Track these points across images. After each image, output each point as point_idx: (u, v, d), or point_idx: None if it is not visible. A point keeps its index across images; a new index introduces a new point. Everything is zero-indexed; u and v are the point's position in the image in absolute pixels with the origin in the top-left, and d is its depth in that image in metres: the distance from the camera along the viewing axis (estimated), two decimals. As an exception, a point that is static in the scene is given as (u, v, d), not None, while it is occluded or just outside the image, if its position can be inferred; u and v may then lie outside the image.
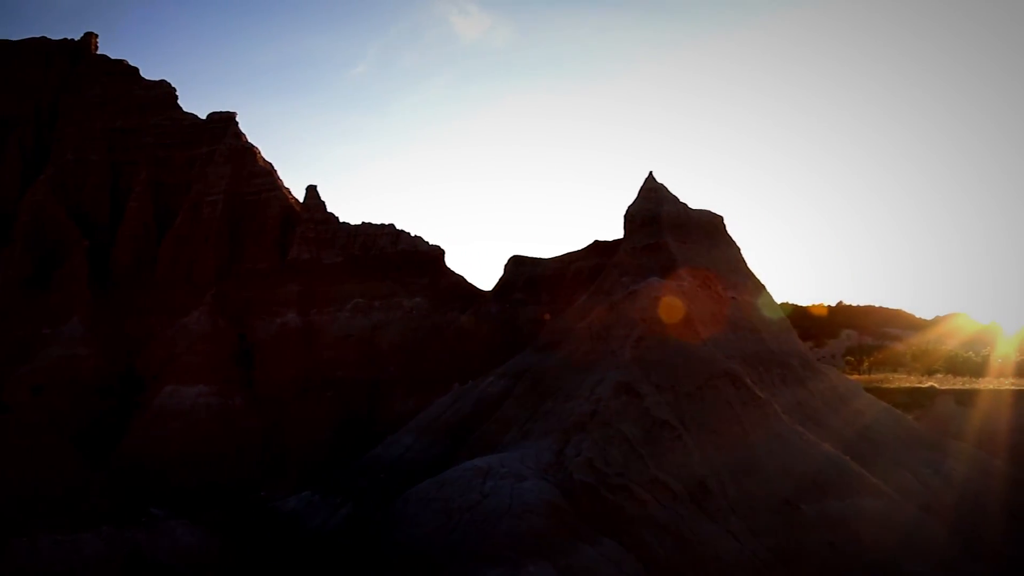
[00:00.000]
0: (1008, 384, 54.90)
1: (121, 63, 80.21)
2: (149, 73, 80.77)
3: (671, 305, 37.86)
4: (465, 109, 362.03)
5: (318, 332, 64.87)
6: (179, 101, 78.44)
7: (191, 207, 71.15)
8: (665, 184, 46.67)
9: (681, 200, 46.47)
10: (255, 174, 73.70)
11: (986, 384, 55.31)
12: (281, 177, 75.80)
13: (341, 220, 71.10)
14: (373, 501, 37.18)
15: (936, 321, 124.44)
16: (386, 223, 70.29)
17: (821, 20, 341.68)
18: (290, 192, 75.39)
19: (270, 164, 76.52)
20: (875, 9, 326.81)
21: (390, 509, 32.74)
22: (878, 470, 34.49)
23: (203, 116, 76.58)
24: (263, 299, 66.52)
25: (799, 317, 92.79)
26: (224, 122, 75.32)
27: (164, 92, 78.30)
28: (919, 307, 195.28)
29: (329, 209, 71.34)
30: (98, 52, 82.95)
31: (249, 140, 75.95)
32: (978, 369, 66.75)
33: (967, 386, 54.59)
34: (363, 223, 70.79)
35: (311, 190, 71.75)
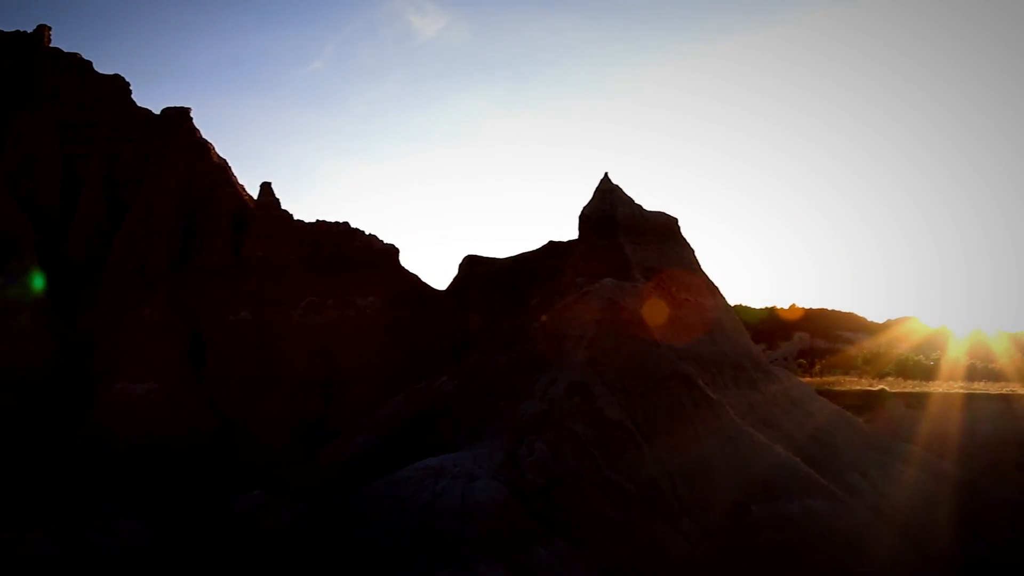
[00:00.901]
0: (958, 388, 55.36)
1: (74, 56, 79.35)
2: (103, 67, 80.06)
3: (625, 306, 37.85)
4: (421, 107, 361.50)
5: (271, 330, 64.56)
6: (133, 96, 77.79)
7: (144, 203, 70.56)
8: (620, 185, 46.67)
9: (636, 202, 46.49)
10: (209, 170, 73.21)
11: (936, 387, 55.76)
12: (235, 174, 75.39)
13: (295, 218, 70.75)
14: (325, 500, 36.95)
15: (888, 325, 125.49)
16: (340, 221, 70.01)
17: (779, 17, 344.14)
18: (244, 189, 74.98)
19: (224, 160, 76.07)
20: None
21: (342, 508, 32.55)
22: (829, 472, 34.64)
23: (157, 111, 75.96)
24: (216, 296, 66.10)
25: (751, 318, 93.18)
26: (178, 117, 74.74)
27: (118, 86, 77.56)
28: (871, 311, 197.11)
29: (283, 206, 70.96)
30: (51, 45, 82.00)
31: (203, 136, 75.46)
32: (929, 373, 67.32)
33: (917, 389, 55.01)
34: (317, 221, 70.49)
35: (265, 187, 71.38)
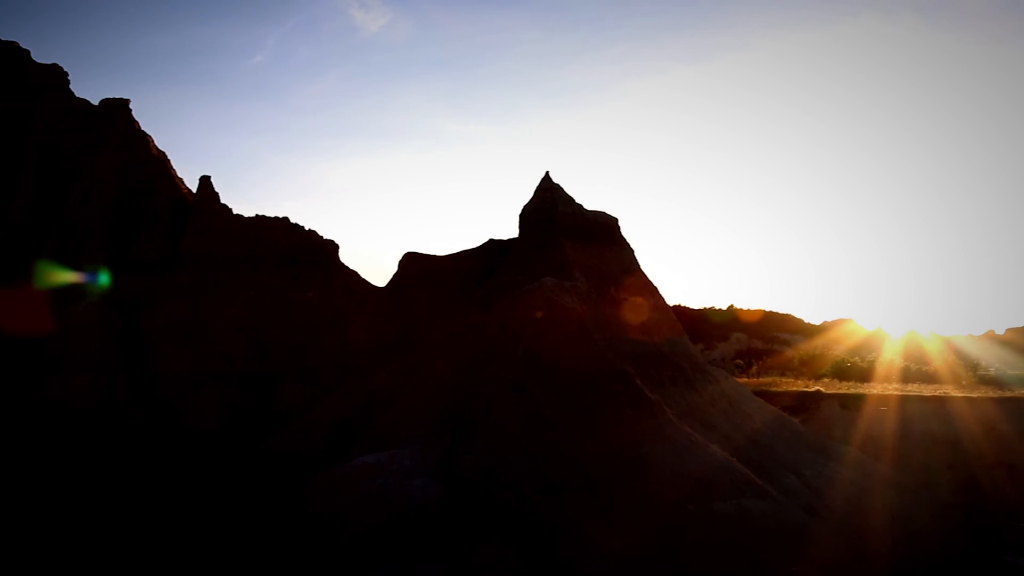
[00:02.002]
0: (893, 389, 56.05)
1: (12, 45, 77.96)
2: (40, 56, 78.71)
3: (564, 305, 37.85)
4: (363, 103, 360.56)
5: (209, 324, 63.96)
6: (71, 86, 76.69)
7: (80, 195, 69.57)
8: (562, 184, 46.74)
9: (577, 201, 46.58)
10: (147, 163, 72.25)
11: (871, 389, 56.41)
12: (174, 167, 74.50)
13: (235, 212, 70.10)
14: (262, 498, 36.76)
15: (824, 326, 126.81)
16: (280, 216, 69.45)
17: (717, 19, 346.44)
18: (183, 182, 74.11)
19: (163, 153, 75.15)
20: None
21: (279, 506, 32.40)
22: (765, 472, 34.86)
23: (95, 102, 74.95)
24: (153, 290, 65.39)
25: (689, 319, 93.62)
26: (117, 108, 73.66)
27: (55, 76, 76.38)
28: (808, 312, 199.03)
29: (223, 200, 70.26)
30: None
31: (142, 128, 74.56)
32: (864, 374, 68.08)
33: (853, 391, 55.62)
34: (257, 215, 69.79)
35: (204, 180, 70.59)
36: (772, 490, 33.16)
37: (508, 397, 34.10)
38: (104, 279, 64.30)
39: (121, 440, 56.00)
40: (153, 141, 75.02)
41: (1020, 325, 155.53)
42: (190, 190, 73.67)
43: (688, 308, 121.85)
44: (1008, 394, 54.16)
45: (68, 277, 64.13)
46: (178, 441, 57.39)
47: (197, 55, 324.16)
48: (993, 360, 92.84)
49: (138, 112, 75.39)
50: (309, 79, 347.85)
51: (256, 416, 58.45)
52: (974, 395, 53.08)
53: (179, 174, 74.89)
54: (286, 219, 69.46)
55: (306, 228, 69.35)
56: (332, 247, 68.53)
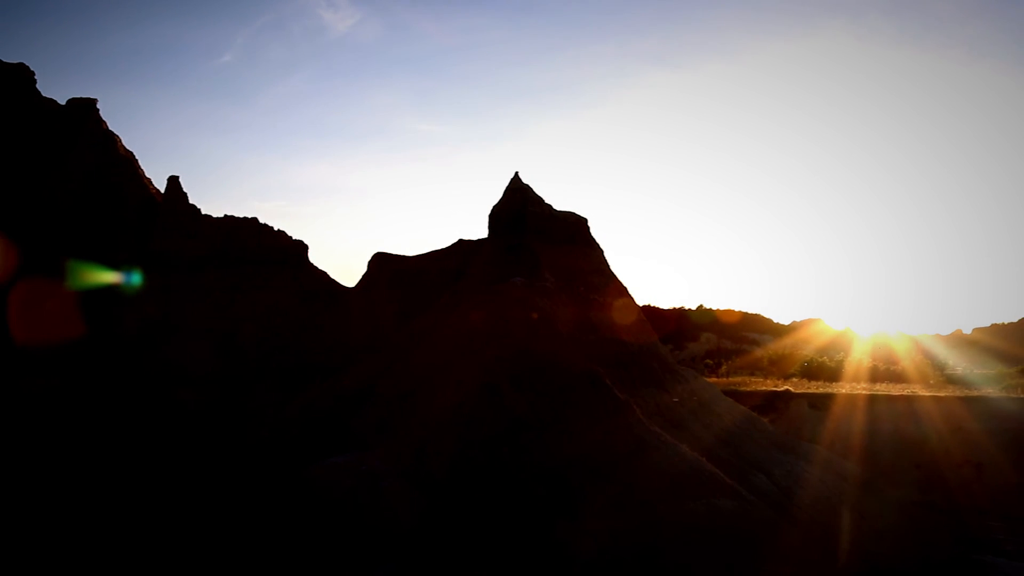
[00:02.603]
0: (861, 388, 56.32)
1: (-24, 46, 77.69)
2: (7, 56, 78.45)
3: (534, 305, 37.86)
4: (332, 103, 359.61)
5: (178, 326, 63.67)
6: (38, 86, 76.17)
7: (48, 195, 69.16)
8: (531, 185, 46.74)
9: (547, 201, 46.59)
10: (115, 163, 71.88)
11: (840, 388, 56.66)
12: (143, 167, 74.13)
13: (203, 212, 69.79)
14: (232, 500, 36.60)
15: (793, 326, 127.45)
16: (249, 216, 69.23)
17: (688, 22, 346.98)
18: (151, 182, 73.77)
19: (131, 153, 74.75)
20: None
21: (248, 509, 32.30)
22: (734, 472, 34.94)
23: (62, 102, 74.47)
24: (122, 291, 65.07)
25: (659, 319, 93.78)
26: (84, 109, 73.26)
27: (22, 76, 75.90)
28: (777, 313, 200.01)
29: (191, 201, 69.96)
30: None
31: (110, 128, 74.13)
32: (833, 374, 68.44)
33: (821, 390, 55.87)
34: (226, 216, 69.55)
35: (173, 181, 70.27)
36: (742, 489, 33.23)
37: (479, 397, 34.07)
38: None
39: (91, 440, 55.74)
40: (121, 141, 74.62)
41: (987, 325, 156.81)
42: (158, 190, 73.34)
43: (658, 308, 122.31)
44: (975, 393, 54.53)
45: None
46: (146, 441, 57.10)
47: (165, 55, 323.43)
48: (960, 360, 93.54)
49: (105, 112, 75.02)
50: (278, 79, 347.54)
51: (225, 418, 58.23)
52: (941, 394, 53.41)
53: (147, 174, 74.63)
54: (255, 219, 69.23)
55: (275, 229, 69.20)
56: (301, 247, 68.38)
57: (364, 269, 60.97)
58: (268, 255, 66.91)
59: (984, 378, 66.48)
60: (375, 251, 61.74)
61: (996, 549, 37.71)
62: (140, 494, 44.11)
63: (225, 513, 34.80)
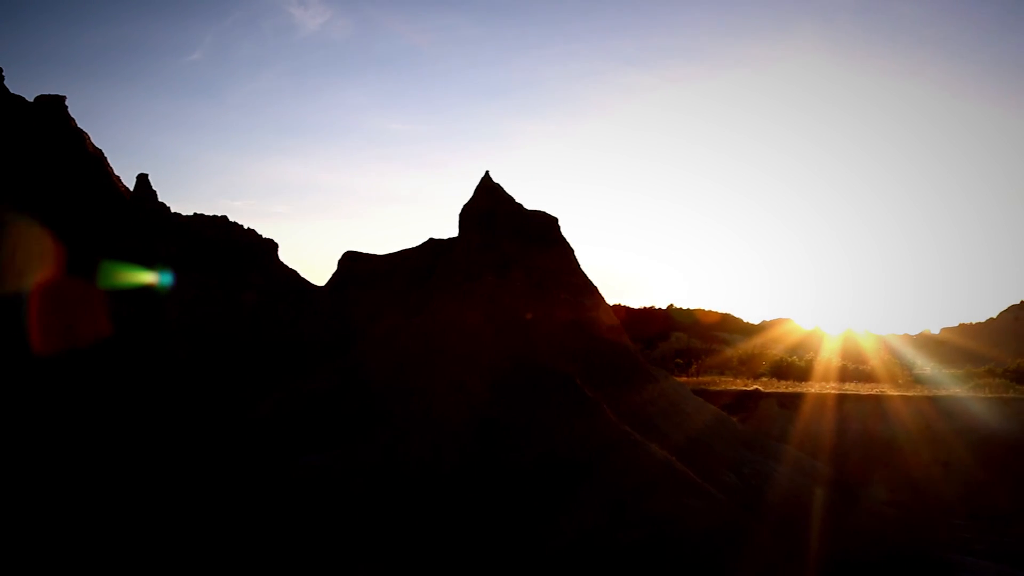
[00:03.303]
0: (830, 388, 56.59)
1: (-58, 41, 77.05)
2: (-28, 53, 77.73)
3: (505, 305, 37.84)
4: (302, 101, 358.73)
5: (147, 325, 63.32)
6: (5, 82, 75.60)
7: (14, 193, 68.64)
8: (501, 184, 46.68)
9: (517, 200, 46.54)
10: (84, 161, 71.44)
11: (809, 388, 56.91)
12: (111, 165, 73.68)
13: (172, 211, 69.45)
14: (203, 500, 36.40)
15: (763, 326, 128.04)
16: (219, 215, 68.94)
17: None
18: (120, 180, 73.33)
19: (100, 151, 74.28)
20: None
21: (227, 508, 32.18)
22: (704, 471, 34.98)
23: (30, 99, 73.95)
24: (91, 292, 64.66)
25: (630, 318, 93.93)
26: (52, 106, 72.69)
27: (-12, 72, 75.32)
28: (747, 312, 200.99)
29: (161, 199, 69.62)
30: (-83, 29, 79.44)
31: (78, 125, 73.65)
32: (802, 373, 68.77)
33: (791, 389, 56.08)
34: (195, 214, 69.26)
35: (142, 179, 69.86)
36: (711, 488, 33.29)
37: (449, 396, 34.05)
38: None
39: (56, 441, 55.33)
40: (90, 139, 74.13)
41: (954, 325, 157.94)
42: (127, 188, 72.88)
43: (629, 307, 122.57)
44: (943, 393, 54.90)
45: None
46: (115, 441, 56.72)
47: (134, 52, 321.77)
48: (929, 359, 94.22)
49: (74, 109, 74.40)
50: (248, 77, 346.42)
51: (195, 416, 57.91)
52: (910, 394, 53.73)
53: (116, 172, 74.16)
54: (224, 218, 68.98)
55: (245, 227, 68.93)
56: (271, 246, 68.16)
57: (334, 268, 60.80)
58: (238, 253, 66.61)
59: (952, 378, 66.99)
60: (345, 250, 61.56)
61: (965, 548, 37.88)
62: (119, 494, 43.86)
63: (204, 511, 34.63)
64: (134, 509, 35.68)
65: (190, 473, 41.25)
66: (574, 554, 29.18)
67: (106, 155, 74.72)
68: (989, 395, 54.00)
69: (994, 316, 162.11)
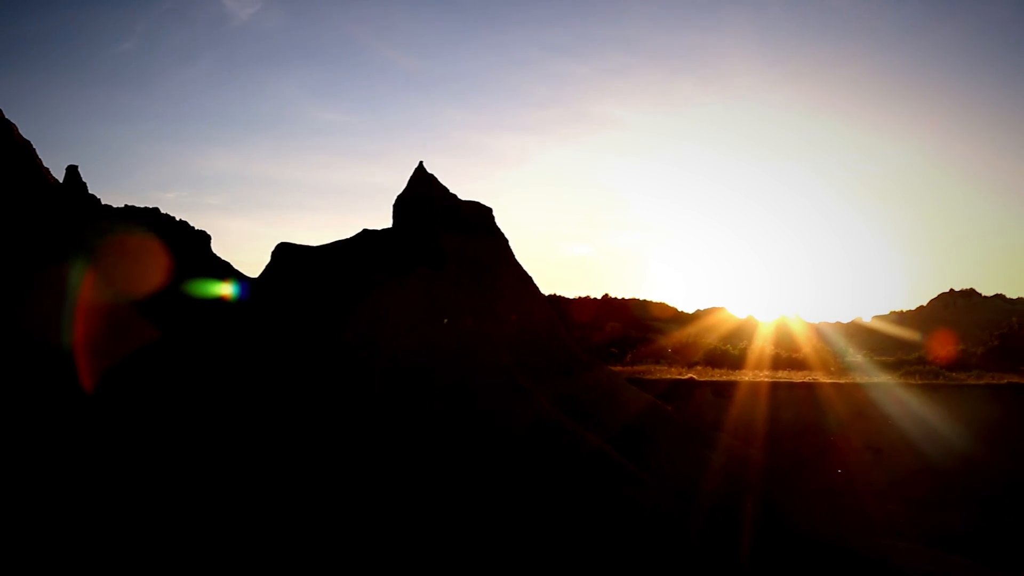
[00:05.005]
0: (763, 376, 56.99)
1: None
2: None
3: (439, 295, 37.71)
4: (234, 91, 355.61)
5: (78, 319, 62.47)
6: (-73, 74, 74.25)
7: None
8: (435, 175, 46.51)
9: (451, 191, 46.39)
10: (12, 151, 70.23)
11: (743, 376, 57.25)
12: (41, 156, 72.52)
13: (103, 203, 68.46)
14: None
15: (697, 315, 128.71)
16: (150, 207, 68.03)
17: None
18: (50, 172, 72.18)
19: (28, 142, 73.00)
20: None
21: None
22: (639, 459, 35.11)
23: (-46, 90, 72.60)
24: (22, 284, 63.62)
25: (564, 308, 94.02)
26: (-23, 97, 71.60)
27: (-89, 63, 73.99)
28: (681, 301, 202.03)
29: (91, 191, 68.59)
30: None
31: (6, 116, 72.40)
32: (736, 362, 69.15)
33: (725, 378, 56.38)
34: (126, 206, 68.27)
35: (72, 170, 68.64)
36: (646, 477, 33.41)
37: (385, 391, 33.90)
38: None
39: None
40: (17, 129, 72.95)
41: (885, 313, 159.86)
42: (57, 180, 71.78)
43: (564, 296, 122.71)
44: (874, 380, 55.43)
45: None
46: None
47: (63, 41, 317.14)
48: (860, 347, 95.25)
49: (1, 99, 73.31)
50: (179, 67, 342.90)
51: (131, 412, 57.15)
52: (842, 381, 54.22)
53: (45, 164, 72.99)
54: (156, 210, 68.09)
55: (177, 219, 68.09)
56: (204, 238, 67.41)
57: (267, 260, 60.30)
58: (170, 245, 65.82)
59: (883, 365, 67.70)
60: (279, 241, 61.05)
61: (897, 533, 38.38)
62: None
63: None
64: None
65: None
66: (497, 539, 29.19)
67: (35, 146, 73.70)
68: (919, 382, 54.59)
69: (924, 304, 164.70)
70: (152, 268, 55.42)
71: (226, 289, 60.18)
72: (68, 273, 53.54)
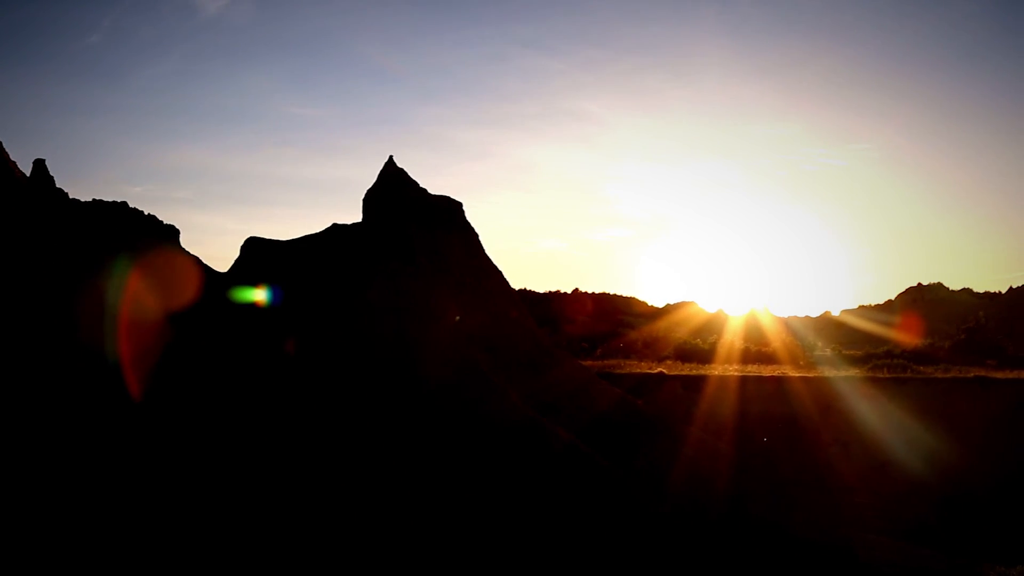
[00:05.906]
0: (733, 370, 57.22)
1: None
2: None
3: (409, 290, 37.68)
4: (203, 85, 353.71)
5: (46, 315, 62.02)
6: None
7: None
8: (406, 169, 46.40)
9: (422, 186, 46.30)
10: (-23, 146, 69.70)
11: (712, 370, 57.47)
12: (7, 149, 71.96)
13: (71, 197, 67.98)
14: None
15: (667, 309, 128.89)
16: (119, 201, 67.59)
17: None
18: (17, 166, 71.63)
19: (-6, 136, 72.56)
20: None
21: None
22: (609, 453, 35.18)
23: (-81, 83, 71.93)
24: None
25: (534, 302, 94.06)
26: (-58, 91, 70.96)
27: None
28: (651, 295, 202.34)
29: (58, 185, 68.09)
30: None
31: (-29, 110, 71.80)
32: (706, 356, 69.38)
33: (694, 372, 56.57)
34: (94, 200, 67.77)
35: (39, 164, 68.07)
36: (616, 471, 33.49)
37: (355, 385, 33.84)
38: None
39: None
40: (-17, 123, 72.62)
41: (854, 307, 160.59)
42: (24, 174, 71.22)
43: (534, 291, 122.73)
44: (842, 374, 55.76)
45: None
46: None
47: (30, 34, 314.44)
48: (828, 341, 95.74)
49: (-34, 93, 72.67)
50: (148, 60, 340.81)
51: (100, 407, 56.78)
52: (810, 375, 54.53)
53: (12, 158, 72.35)
54: (124, 204, 67.63)
55: (146, 213, 67.64)
56: (172, 232, 67.02)
57: (237, 254, 60.05)
58: (139, 240, 65.37)
59: (851, 359, 68.05)
60: (248, 235, 60.85)
61: (865, 526, 38.67)
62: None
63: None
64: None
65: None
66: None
67: (1, 140, 73.13)
68: (887, 376, 54.95)
69: (893, 298, 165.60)
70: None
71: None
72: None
